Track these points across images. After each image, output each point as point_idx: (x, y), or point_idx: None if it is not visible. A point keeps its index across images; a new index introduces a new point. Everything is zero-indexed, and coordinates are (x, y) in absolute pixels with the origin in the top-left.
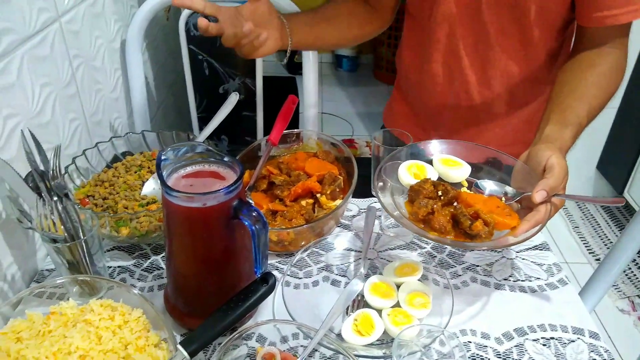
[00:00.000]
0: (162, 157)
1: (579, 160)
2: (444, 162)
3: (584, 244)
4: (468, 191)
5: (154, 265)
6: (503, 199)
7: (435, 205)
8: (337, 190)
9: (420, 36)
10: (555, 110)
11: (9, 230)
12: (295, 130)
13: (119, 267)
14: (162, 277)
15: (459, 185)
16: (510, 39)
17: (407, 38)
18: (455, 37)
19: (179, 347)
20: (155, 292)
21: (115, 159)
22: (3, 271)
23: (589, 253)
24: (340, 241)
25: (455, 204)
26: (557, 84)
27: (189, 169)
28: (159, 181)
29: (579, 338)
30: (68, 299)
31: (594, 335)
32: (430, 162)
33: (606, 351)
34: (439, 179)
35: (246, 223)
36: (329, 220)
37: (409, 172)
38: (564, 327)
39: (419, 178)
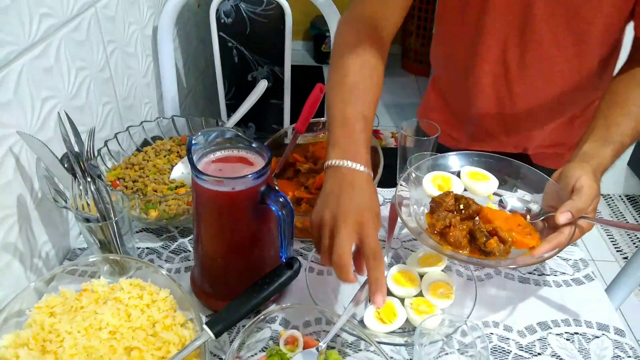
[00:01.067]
0: (193, 142)
1: None
2: (470, 175)
3: (612, 241)
4: (493, 206)
5: (181, 248)
6: (528, 217)
7: (453, 219)
8: None
9: (464, 42)
10: (599, 125)
11: (45, 209)
12: (322, 118)
13: (147, 248)
14: (189, 260)
15: (485, 199)
16: (563, 50)
17: (445, 40)
18: (505, 46)
19: (205, 327)
20: (182, 273)
21: (145, 143)
22: (38, 248)
23: (617, 251)
24: None
25: (476, 219)
26: (607, 97)
27: (218, 154)
28: (187, 165)
29: (603, 334)
30: (99, 277)
31: (619, 332)
32: (458, 173)
33: (631, 348)
34: (465, 191)
35: (273, 208)
36: None
37: (433, 184)
38: (588, 323)
39: (443, 190)
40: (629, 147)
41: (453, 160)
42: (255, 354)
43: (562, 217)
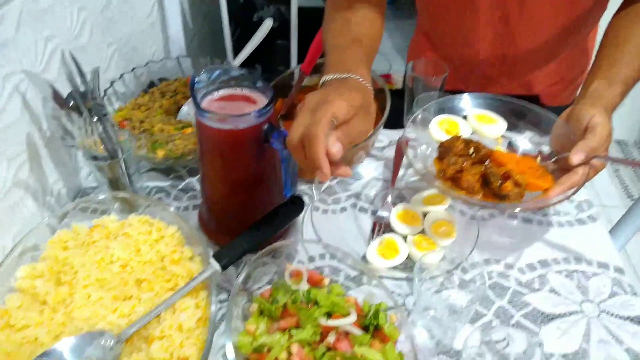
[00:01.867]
0: (196, 80)
1: (625, 102)
2: (478, 118)
3: (623, 187)
4: (502, 149)
5: (189, 187)
6: (538, 158)
7: (465, 164)
8: None
9: None
10: (604, 65)
11: (54, 148)
12: None
13: (155, 187)
14: (197, 198)
15: (493, 142)
16: None
17: None
18: None
19: (212, 260)
20: (190, 211)
21: (152, 84)
22: (50, 186)
23: (627, 197)
24: (369, 171)
25: (486, 162)
26: (608, 34)
27: (222, 92)
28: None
29: (603, 272)
30: (109, 215)
31: (619, 270)
32: (464, 117)
33: (630, 285)
34: (472, 135)
35: (276, 147)
36: (358, 151)
37: (440, 128)
38: (589, 261)
39: (450, 134)
40: (636, 83)
41: (460, 102)
42: (261, 287)
43: (576, 157)
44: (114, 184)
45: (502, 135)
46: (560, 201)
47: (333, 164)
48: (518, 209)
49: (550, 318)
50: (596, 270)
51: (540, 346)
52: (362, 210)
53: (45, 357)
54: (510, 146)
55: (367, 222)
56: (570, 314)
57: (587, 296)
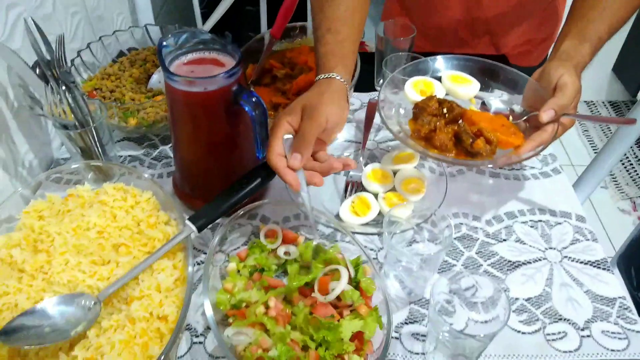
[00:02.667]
0: (163, 43)
1: (594, 63)
2: (452, 78)
3: (592, 147)
4: (475, 109)
5: (162, 155)
6: (510, 117)
7: (438, 123)
8: None
9: None
10: (574, 25)
11: (23, 119)
12: (298, 23)
13: (129, 156)
14: (171, 165)
15: (467, 102)
16: None
17: None
18: None
19: (187, 222)
20: (164, 178)
21: (121, 54)
22: (21, 158)
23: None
24: (342, 133)
25: (459, 122)
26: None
27: (190, 56)
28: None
29: (565, 221)
30: (83, 184)
31: (580, 219)
32: (439, 78)
33: (590, 232)
34: (447, 95)
35: (246, 108)
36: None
37: (415, 89)
38: (552, 212)
39: (425, 95)
40: (605, 43)
41: (434, 64)
42: (238, 247)
43: (546, 115)
44: (87, 155)
45: (475, 96)
46: (529, 157)
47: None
48: (490, 166)
49: (515, 266)
50: (559, 219)
51: (506, 291)
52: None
53: (24, 316)
54: (484, 106)
55: (340, 183)
56: (535, 261)
57: (550, 244)
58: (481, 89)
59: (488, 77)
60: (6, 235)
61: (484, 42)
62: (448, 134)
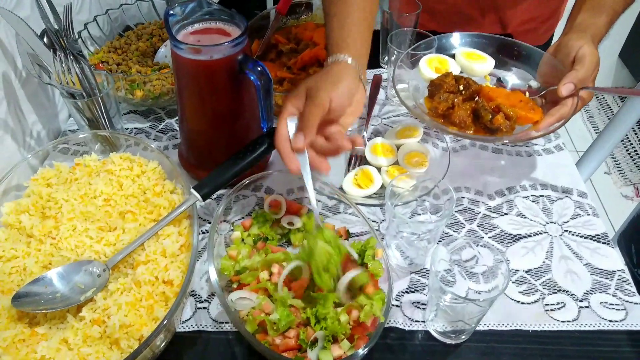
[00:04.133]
0: (170, 12)
1: (600, 48)
2: (466, 55)
3: (597, 133)
4: (491, 86)
5: (168, 127)
6: (527, 93)
7: (455, 100)
8: None
9: None
10: None
11: (31, 89)
12: None
13: (135, 128)
14: (176, 138)
15: (482, 79)
16: None
17: None
18: None
19: (192, 190)
20: (170, 150)
21: (127, 29)
22: (29, 127)
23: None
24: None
25: (476, 98)
26: None
27: (196, 26)
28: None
29: (567, 196)
30: (90, 154)
31: (581, 194)
32: (452, 56)
33: (591, 207)
34: (461, 73)
35: (251, 77)
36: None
37: (429, 66)
38: (554, 187)
39: (440, 72)
40: (620, 16)
41: (447, 40)
42: (242, 217)
43: (565, 88)
44: (94, 126)
45: (490, 73)
46: (550, 132)
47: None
48: (507, 141)
49: (516, 239)
50: (560, 194)
51: (506, 262)
52: None
53: (35, 283)
54: (500, 82)
55: (344, 156)
56: (535, 234)
57: (551, 218)
58: (495, 67)
59: (502, 54)
60: (15, 201)
61: (490, 19)
62: (466, 111)
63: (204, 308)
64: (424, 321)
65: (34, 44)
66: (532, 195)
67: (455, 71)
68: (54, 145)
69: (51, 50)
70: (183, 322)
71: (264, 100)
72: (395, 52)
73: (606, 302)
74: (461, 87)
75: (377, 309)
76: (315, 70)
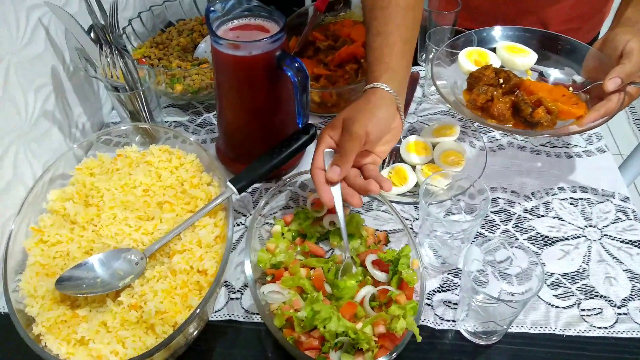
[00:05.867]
0: (211, 9)
1: None
2: (508, 49)
3: None
4: (532, 80)
5: (206, 122)
6: (570, 88)
7: (495, 93)
8: None
9: None
10: None
11: (77, 82)
12: None
13: (174, 122)
14: (214, 132)
15: (523, 74)
16: None
17: None
18: None
19: (229, 183)
20: (207, 144)
21: (169, 25)
22: (75, 119)
23: None
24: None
25: (517, 92)
26: None
27: (236, 22)
28: (209, 41)
29: (608, 200)
30: (131, 146)
31: (623, 198)
32: (493, 50)
33: (633, 212)
34: (502, 66)
35: (289, 73)
36: None
37: (469, 59)
38: (594, 190)
39: (480, 65)
40: None
41: (488, 33)
42: (276, 211)
43: (611, 83)
44: (135, 118)
45: (531, 67)
46: (594, 127)
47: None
48: (547, 135)
49: (553, 241)
50: (601, 198)
51: (541, 265)
52: None
53: (77, 268)
54: (542, 77)
55: None
56: (573, 237)
57: (590, 222)
58: (538, 61)
59: (545, 48)
60: (60, 189)
61: (530, 19)
62: (506, 104)
63: (237, 299)
64: (454, 321)
65: (82, 39)
66: (570, 198)
67: (496, 64)
68: (97, 136)
69: (97, 45)
70: (216, 311)
71: (300, 96)
72: (434, 50)
73: None
74: (501, 80)
75: (410, 322)
76: (351, 67)
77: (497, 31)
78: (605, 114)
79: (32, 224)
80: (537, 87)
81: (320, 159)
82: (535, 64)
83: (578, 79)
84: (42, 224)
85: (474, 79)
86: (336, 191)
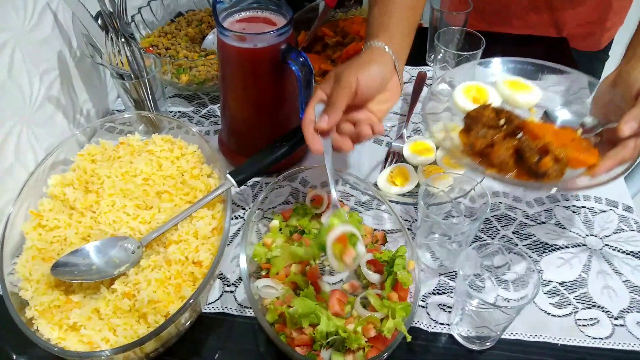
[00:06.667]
0: (218, 0)
1: None
2: (510, 84)
3: None
4: (537, 120)
5: (210, 113)
6: (580, 130)
7: (496, 136)
8: None
9: None
10: None
11: (84, 69)
12: None
13: (179, 112)
14: (218, 124)
15: (526, 112)
16: None
17: None
18: None
19: (228, 175)
20: (210, 135)
21: (179, 15)
22: (80, 105)
23: None
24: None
25: (520, 135)
26: None
27: (243, 14)
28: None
29: (611, 209)
30: (134, 134)
31: (627, 209)
32: (493, 84)
33: (636, 223)
34: (503, 104)
35: (293, 68)
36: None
37: (466, 96)
38: (598, 199)
39: (478, 103)
40: None
41: (488, 67)
42: (275, 206)
43: (627, 127)
44: (140, 107)
45: (536, 105)
46: (608, 181)
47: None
48: (554, 190)
49: (552, 249)
50: (604, 207)
51: (537, 272)
52: (378, 141)
53: (73, 254)
54: (547, 116)
55: (382, 153)
56: (573, 246)
57: (592, 231)
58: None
59: (552, 83)
60: (61, 175)
61: (544, 19)
62: (509, 150)
63: (231, 292)
64: (448, 324)
65: (89, 24)
66: (573, 206)
67: (496, 101)
68: (101, 123)
69: (104, 31)
70: (209, 303)
71: (304, 90)
72: (442, 50)
73: None
74: (502, 122)
75: (398, 322)
76: None
77: (497, 64)
78: (620, 162)
79: (31, 207)
80: (542, 130)
81: (312, 112)
82: (543, 102)
83: (588, 120)
84: (42, 209)
85: (471, 119)
86: (326, 143)
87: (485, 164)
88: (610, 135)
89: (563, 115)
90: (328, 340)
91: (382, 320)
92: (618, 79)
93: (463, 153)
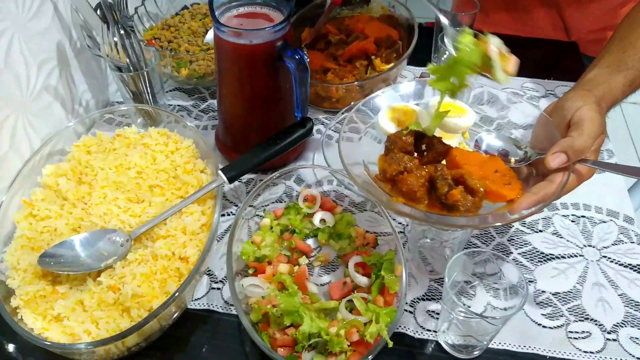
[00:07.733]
0: None
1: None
2: (443, 107)
3: None
4: (467, 147)
5: (210, 108)
6: (513, 160)
7: (410, 163)
8: (394, 55)
9: None
10: (613, 50)
11: (84, 60)
12: None
13: (178, 105)
14: (216, 119)
15: (459, 138)
16: None
17: None
18: None
19: (220, 172)
20: (208, 130)
21: (184, 8)
22: (79, 96)
23: None
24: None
25: (440, 163)
26: (625, 22)
27: (241, 10)
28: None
29: (611, 220)
30: (132, 127)
31: (628, 220)
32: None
33: (637, 235)
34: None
35: (289, 65)
36: (379, 82)
37: (390, 118)
38: (598, 209)
39: (402, 127)
40: None
41: (422, 88)
42: (267, 204)
43: (555, 159)
44: (138, 100)
45: (470, 129)
46: (526, 216)
47: None
48: (464, 224)
49: (548, 258)
50: (604, 217)
51: (526, 282)
52: (376, 139)
53: (62, 245)
54: (477, 143)
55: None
56: (570, 256)
57: (590, 241)
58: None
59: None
60: (55, 165)
61: (551, 18)
62: (420, 178)
63: (218, 289)
64: (435, 331)
65: (88, 15)
66: (572, 215)
67: (424, 124)
68: (100, 114)
69: (103, 23)
70: (195, 299)
71: (299, 88)
72: (447, 51)
73: (637, 338)
74: (423, 147)
75: (380, 327)
76: (362, 63)
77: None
78: (541, 200)
79: (25, 196)
80: (465, 159)
81: None
82: (478, 124)
83: (523, 150)
84: (34, 198)
85: (390, 143)
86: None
87: (396, 192)
88: (542, 168)
89: (494, 142)
90: (310, 342)
91: (365, 324)
92: (555, 109)
93: (375, 180)
